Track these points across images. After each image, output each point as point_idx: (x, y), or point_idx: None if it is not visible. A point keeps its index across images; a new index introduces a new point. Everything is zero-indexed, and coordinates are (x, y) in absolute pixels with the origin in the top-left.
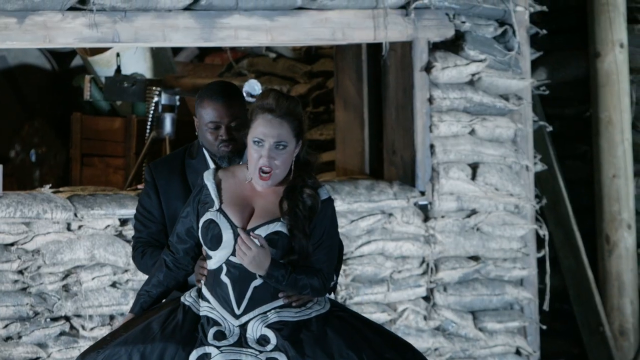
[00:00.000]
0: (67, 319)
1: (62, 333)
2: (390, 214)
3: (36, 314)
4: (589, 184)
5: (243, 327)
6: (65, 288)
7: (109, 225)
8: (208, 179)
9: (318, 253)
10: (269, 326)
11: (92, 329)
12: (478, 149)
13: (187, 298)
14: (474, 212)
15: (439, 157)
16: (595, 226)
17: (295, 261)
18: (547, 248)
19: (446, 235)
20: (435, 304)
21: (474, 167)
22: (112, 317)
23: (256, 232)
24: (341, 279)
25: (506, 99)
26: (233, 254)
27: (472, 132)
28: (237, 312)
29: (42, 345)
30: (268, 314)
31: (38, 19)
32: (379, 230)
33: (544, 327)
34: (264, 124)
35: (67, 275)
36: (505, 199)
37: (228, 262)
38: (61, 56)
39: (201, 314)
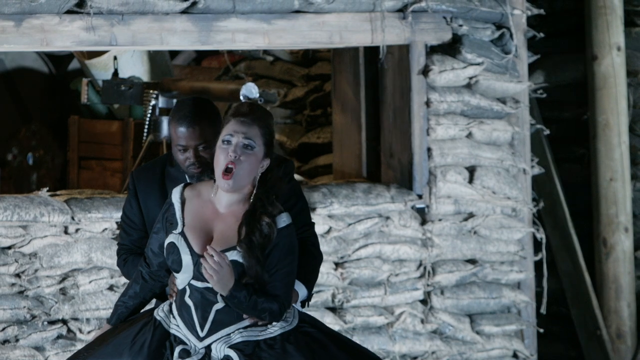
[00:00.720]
0: (64, 322)
1: (59, 336)
2: (388, 217)
3: (33, 317)
4: (586, 187)
5: (208, 347)
6: (63, 291)
7: (106, 229)
8: (175, 197)
9: (274, 280)
10: (232, 347)
11: (89, 332)
12: (475, 152)
13: (160, 313)
14: (471, 215)
15: (436, 160)
16: (592, 229)
17: (252, 285)
18: (544, 251)
19: (443, 239)
20: (433, 307)
21: (472, 170)
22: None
23: None
24: (338, 282)
25: (503, 102)
26: (194, 278)
27: (469, 135)
28: (201, 334)
29: (39, 348)
30: (232, 335)
31: (35, 22)
32: (376, 234)
33: (541, 330)
34: (235, 123)
35: (64, 278)
36: (502, 202)
37: (190, 286)
38: (58, 59)
39: (171, 331)
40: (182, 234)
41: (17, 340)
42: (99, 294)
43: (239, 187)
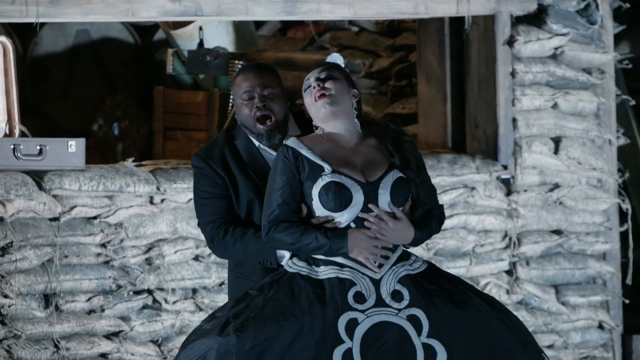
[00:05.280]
0: (149, 292)
1: (145, 306)
2: (473, 188)
3: (119, 287)
4: None
5: (377, 283)
6: (148, 261)
7: (191, 199)
8: (300, 146)
9: (423, 193)
10: (399, 281)
11: (174, 302)
12: (561, 123)
13: (296, 267)
14: (556, 186)
15: (521, 131)
16: None
17: (415, 210)
18: (629, 222)
19: (529, 209)
20: (518, 278)
21: (557, 141)
22: (194, 291)
23: (383, 181)
24: (423, 253)
25: (589, 73)
26: (362, 210)
27: (554, 105)
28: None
29: (124, 318)
30: (394, 267)
31: None
32: (462, 204)
33: (627, 301)
34: (311, 73)
35: (149, 248)
36: (587, 173)
37: (357, 220)
38: (144, 29)
39: (324, 277)
40: (336, 171)
41: (102, 310)
42: (184, 264)
43: (340, 109)
